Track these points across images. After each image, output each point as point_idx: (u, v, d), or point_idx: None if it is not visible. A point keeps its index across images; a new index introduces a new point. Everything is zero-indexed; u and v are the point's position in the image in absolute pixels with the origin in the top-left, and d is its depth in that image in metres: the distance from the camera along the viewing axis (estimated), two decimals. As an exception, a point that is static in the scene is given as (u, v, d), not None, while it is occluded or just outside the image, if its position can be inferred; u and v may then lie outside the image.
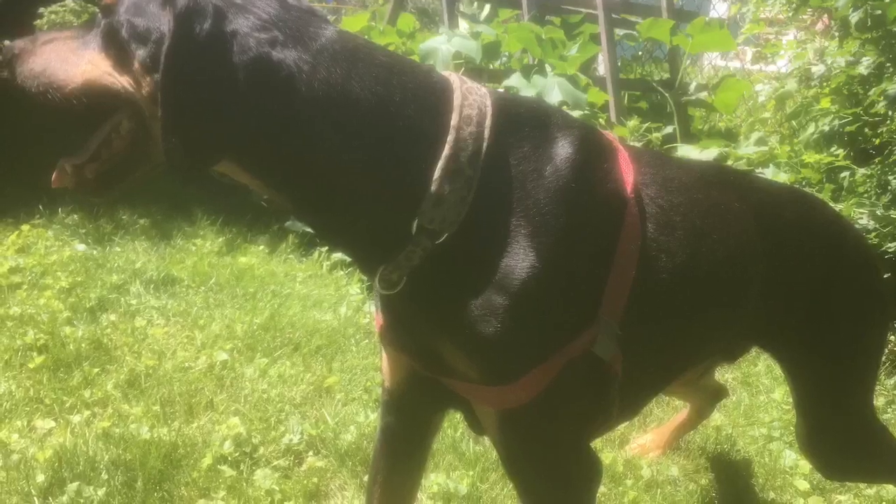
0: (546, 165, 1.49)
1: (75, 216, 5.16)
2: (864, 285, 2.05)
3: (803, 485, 2.84)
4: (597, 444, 2.62)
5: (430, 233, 1.42)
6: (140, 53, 1.39)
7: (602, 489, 2.64)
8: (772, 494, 2.85)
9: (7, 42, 1.55)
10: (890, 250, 3.57)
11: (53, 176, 1.55)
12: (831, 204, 3.72)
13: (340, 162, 1.40)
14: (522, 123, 1.52)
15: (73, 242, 4.83)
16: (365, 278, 1.48)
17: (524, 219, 1.45)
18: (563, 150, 1.51)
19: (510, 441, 1.58)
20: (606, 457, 2.88)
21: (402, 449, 1.93)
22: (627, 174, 1.59)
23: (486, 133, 1.45)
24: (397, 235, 1.44)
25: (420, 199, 1.41)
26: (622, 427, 3.09)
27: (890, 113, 3.93)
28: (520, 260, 1.44)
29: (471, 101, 1.47)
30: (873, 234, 3.67)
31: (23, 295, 4.01)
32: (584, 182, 1.51)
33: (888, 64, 4.21)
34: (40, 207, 5.16)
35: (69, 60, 1.48)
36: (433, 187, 1.41)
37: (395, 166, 1.43)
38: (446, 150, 1.41)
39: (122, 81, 1.43)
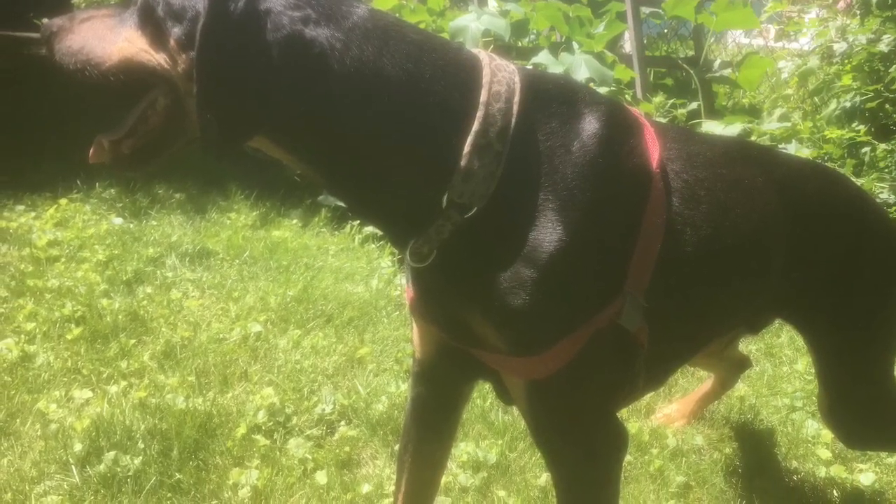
0: (573, 141, 1.48)
1: (112, 190, 5.16)
2: (886, 257, 2.03)
3: (825, 454, 2.81)
4: (623, 413, 2.60)
5: (459, 207, 1.42)
6: (176, 31, 1.39)
7: (628, 458, 2.61)
8: (794, 463, 2.82)
9: (45, 20, 1.54)
10: None
11: (90, 151, 1.54)
12: (853, 179, 3.66)
13: (372, 138, 1.41)
14: (550, 100, 1.51)
15: (110, 216, 4.82)
16: (396, 251, 1.49)
17: (552, 193, 1.45)
18: (590, 125, 1.50)
19: (538, 411, 1.58)
20: (632, 426, 2.85)
21: (432, 419, 1.92)
22: (653, 149, 1.57)
23: (515, 109, 1.44)
24: (428, 209, 1.44)
25: (450, 174, 1.41)
26: (648, 397, 3.06)
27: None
28: (547, 233, 1.43)
29: (499, 77, 1.46)
30: (894, 207, 3.62)
31: (61, 268, 4.00)
32: (610, 157, 1.50)
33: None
34: (78, 182, 5.15)
35: (106, 38, 1.47)
36: (463, 162, 1.40)
37: (426, 141, 1.43)
38: (476, 126, 1.41)
39: (157, 59, 1.42)
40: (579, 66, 4.82)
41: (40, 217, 4.72)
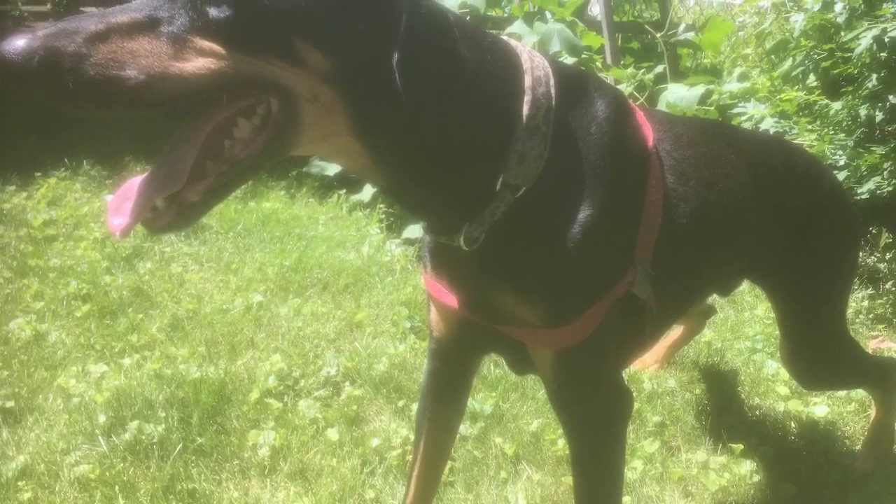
0: (592, 123, 1.53)
1: (100, 168, 5.18)
2: (839, 220, 2.19)
3: (783, 390, 2.99)
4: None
5: (512, 188, 1.44)
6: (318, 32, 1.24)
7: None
8: (757, 400, 3.00)
9: (25, 43, 1.06)
10: (863, 196, 3.67)
11: (114, 227, 1.23)
12: (806, 133, 3.82)
13: (452, 127, 1.38)
14: (570, 83, 1.53)
15: (101, 193, 4.86)
16: (430, 231, 1.42)
17: (581, 172, 1.49)
18: (601, 109, 1.55)
19: (562, 378, 1.65)
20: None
21: (447, 390, 1.99)
22: (647, 131, 1.65)
23: (553, 93, 1.47)
24: (484, 193, 1.44)
25: (506, 156, 1.42)
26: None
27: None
28: (579, 210, 1.48)
29: (536, 63, 1.48)
30: (844, 171, 3.76)
31: (59, 247, 4.06)
32: (621, 138, 1.56)
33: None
34: (65, 160, 5.16)
35: (181, 55, 1.16)
36: (518, 144, 1.42)
37: (490, 126, 1.43)
38: (527, 110, 1.42)
39: (264, 64, 1.19)
40: (552, 37, 4.83)
41: (32, 197, 4.76)
